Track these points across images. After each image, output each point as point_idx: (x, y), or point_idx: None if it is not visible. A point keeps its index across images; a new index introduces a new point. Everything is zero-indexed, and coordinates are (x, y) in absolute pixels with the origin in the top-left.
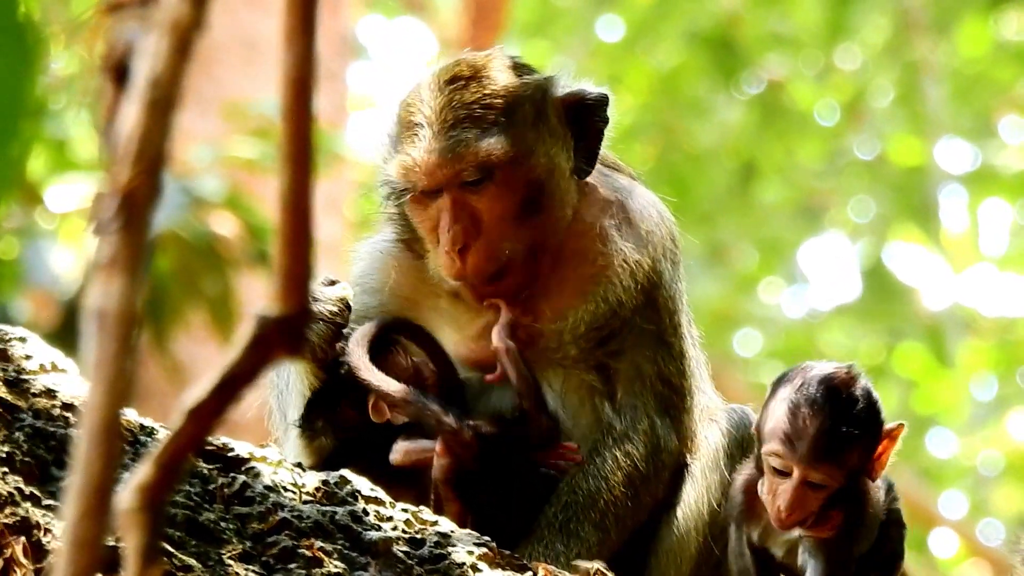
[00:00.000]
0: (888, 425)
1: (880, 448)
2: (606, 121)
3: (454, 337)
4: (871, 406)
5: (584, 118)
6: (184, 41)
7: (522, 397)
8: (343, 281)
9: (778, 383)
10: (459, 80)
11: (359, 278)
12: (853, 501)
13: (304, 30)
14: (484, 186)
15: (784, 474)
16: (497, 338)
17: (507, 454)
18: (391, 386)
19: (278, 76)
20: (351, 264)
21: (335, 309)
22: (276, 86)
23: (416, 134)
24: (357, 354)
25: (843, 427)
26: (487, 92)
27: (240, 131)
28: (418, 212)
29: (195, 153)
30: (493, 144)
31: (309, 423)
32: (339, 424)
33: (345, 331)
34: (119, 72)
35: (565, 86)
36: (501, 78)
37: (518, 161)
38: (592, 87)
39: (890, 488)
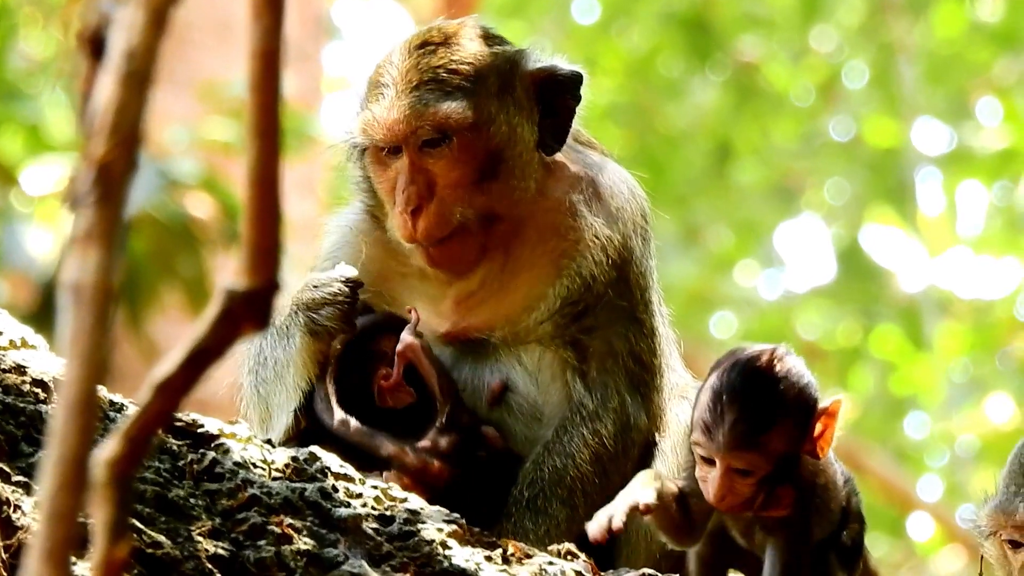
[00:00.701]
0: (824, 403)
1: (820, 427)
2: (578, 100)
3: (426, 311)
4: (794, 387)
5: (554, 95)
6: (160, 13)
7: (438, 392)
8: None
9: (711, 370)
10: (429, 45)
11: (329, 252)
12: (802, 480)
13: (272, 4)
14: (441, 149)
15: (711, 462)
16: (402, 338)
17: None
18: (345, 425)
19: (246, 51)
20: (322, 238)
21: (337, 289)
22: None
23: (381, 93)
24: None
25: (760, 413)
26: (454, 58)
27: (215, 112)
28: (379, 172)
29: (171, 135)
30: (453, 107)
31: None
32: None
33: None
34: (95, 45)
35: (537, 61)
36: (470, 45)
37: (477, 127)
38: (565, 64)
39: (847, 480)
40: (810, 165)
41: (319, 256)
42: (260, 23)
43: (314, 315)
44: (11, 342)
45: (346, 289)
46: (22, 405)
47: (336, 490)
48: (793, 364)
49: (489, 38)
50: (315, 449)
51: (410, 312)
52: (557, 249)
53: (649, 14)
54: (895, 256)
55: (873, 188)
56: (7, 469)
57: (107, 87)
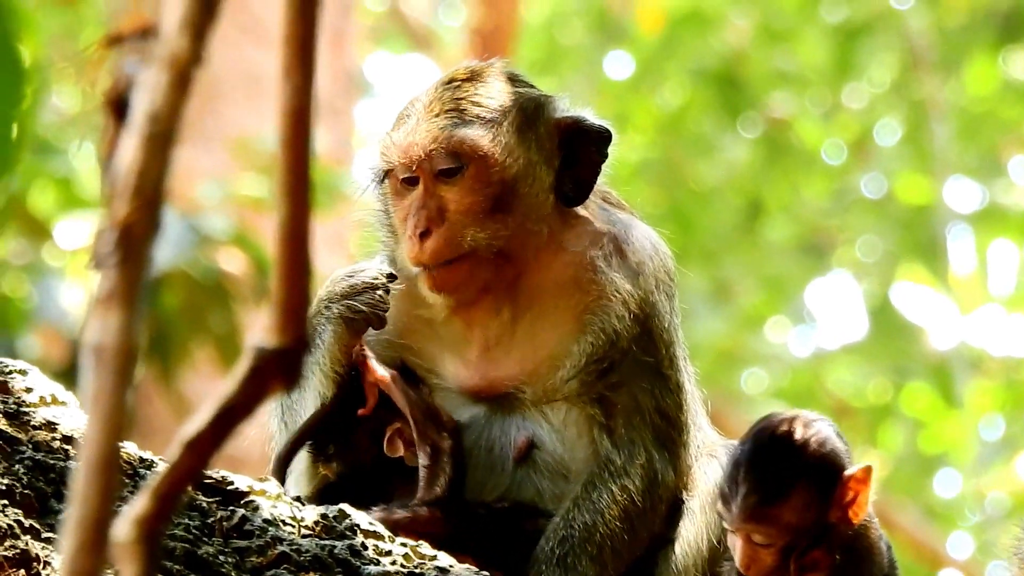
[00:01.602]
0: (851, 469)
1: (850, 493)
2: (605, 156)
3: (452, 366)
4: (812, 456)
5: (579, 145)
6: (183, 76)
7: (415, 423)
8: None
9: (744, 437)
10: (455, 81)
11: None
12: (840, 546)
13: (302, 61)
14: (456, 178)
15: (733, 532)
16: (377, 368)
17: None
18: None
19: (277, 108)
20: None
21: (375, 274)
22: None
23: (403, 121)
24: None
25: (772, 485)
26: (478, 91)
27: (247, 168)
28: (395, 203)
29: (203, 190)
30: (470, 134)
31: (321, 446)
32: (351, 452)
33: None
34: (119, 106)
35: (565, 109)
36: (495, 83)
37: (493, 157)
38: (594, 118)
39: (889, 548)
40: (841, 222)
41: None
42: (291, 81)
43: (351, 302)
44: (41, 398)
45: (383, 277)
46: (52, 462)
47: (366, 547)
48: (816, 431)
49: (516, 79)
50: (344, 506)
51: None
52: (580, 304)
53: (681, 70)
54: (926, 313)
55: (905, 245)
56: (37, 526)
57: (130, 148)
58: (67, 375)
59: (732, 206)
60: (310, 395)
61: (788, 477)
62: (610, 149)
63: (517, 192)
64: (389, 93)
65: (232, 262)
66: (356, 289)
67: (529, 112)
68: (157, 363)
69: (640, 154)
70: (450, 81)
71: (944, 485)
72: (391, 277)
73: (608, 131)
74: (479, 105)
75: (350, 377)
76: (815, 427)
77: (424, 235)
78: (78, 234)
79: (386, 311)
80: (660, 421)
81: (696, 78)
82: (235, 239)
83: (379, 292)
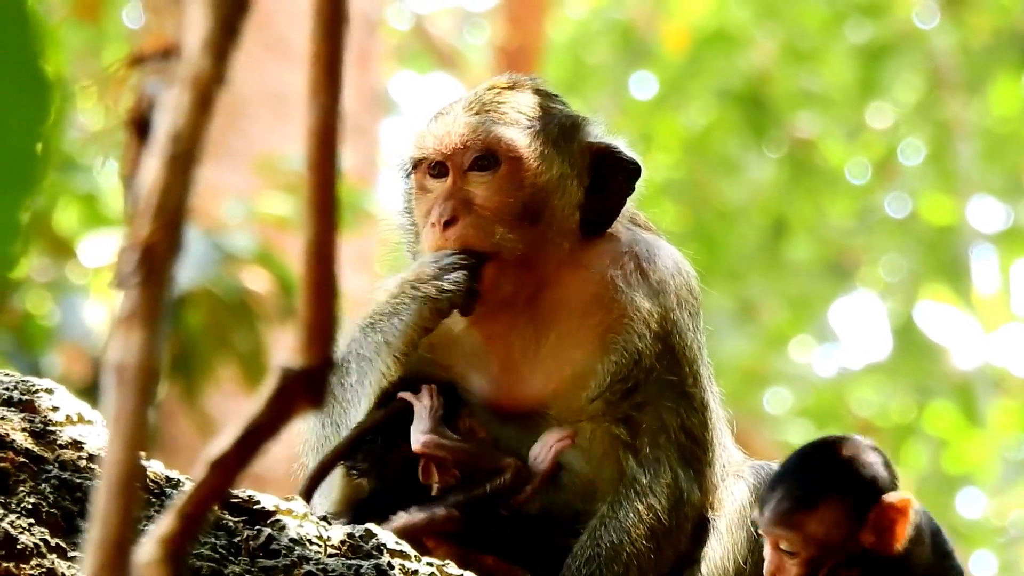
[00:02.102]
0: (890, 496)
1: (884, 520)
2: (632, 189)
3: (481, 380)
4: (850, 475)
5: (608, 173)
6: (206, 95)
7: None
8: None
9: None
10: (495, 88)
11: None
12: (878, 569)
13: (330, 81)
14: (488, 174)
15: (763, 536)
16: (417, 443)
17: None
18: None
19: (304, 128)
20: (376, 301)
21: (462, 257)
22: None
23: (441, 114)
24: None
25: (804, 493)
26: (519, 99)
27: (271, 186)
28: (420, 196)
29: (227, 209)
30: (508, 133)
31: (353, 459)
32: (384, 470)
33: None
34: (141, 126)
35: (599, 135)
36: (535, 95)
37: (528, 161)
38: (627, 148)
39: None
40: (865, 241)
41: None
42: (318, 100)
43: (440, 283)
44: (67, 417)
45: (471, 258)
46: (78, 481)
47: (392, 567)
48: (861, 454)
49: (553, 96)
50: (371, 526)
51: (418, 397)
52: (603, 324)
53: (706, 90)
54: (950, 333)
55: (928, 265)
56: (63, 544)
57: (153, 168)
58: (89, 393)
59: (756, 226)
60: (372, 378)
61: (821, 488)
62: (638, 184)
63: (547, 202)
64: (414, 112)
65: (256, 281)
66: (446, 270)
67: (566, 128)
68: (181, 381)
69: (665, 174)
70: (491, 87)
71: (967, 504)
72: (477, 262)
73: (638, 165)
74: (519, 111)
75: (390, 399)
76: (862, 449)
77: (449, 223)
78: (102, 252)
79: (475, 296)
80: (685, 440)
81: (721, 98)
82: (259, 257)
83: (471, 270)
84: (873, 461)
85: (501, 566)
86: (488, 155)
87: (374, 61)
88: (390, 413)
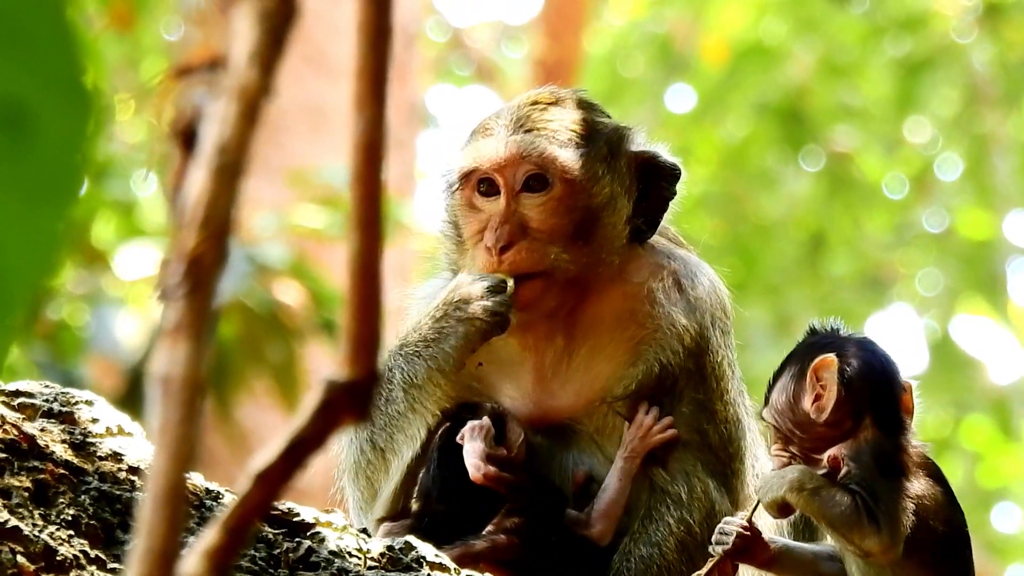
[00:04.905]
0: (816, 360)
1: (816, 386)
2: (674, 193)
3: (513, 391)
4: (815, 346)
5: (652, 180)
6: (252, 107)
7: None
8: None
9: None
10: (539, 104)
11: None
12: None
13: (375, 95)
14: (541, 195)
15: None
16: (474, 469)
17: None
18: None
19: (348, 141)
20: (408, 310)
21: (500, 279)
22: (343, 154)
23: (489, 131)
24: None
25: (782, 369)
26: (565, 115)
27: (305, 199)
28: (468, 215)
29: (260, 221)
30: (562, 154)
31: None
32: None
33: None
34: (187, 137)
35: (642, 143)
36: (579, 111)
37: (582, 181)
38: (667, 154)
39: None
40: (902, 256)
41: (401, 330)
42: (364, 114)
43: (487, 304)
44: (107, 429)
45: (510, 280)
46: (118, 492)
47: None
48: (856, 343)
49: (596, 109)
50: (411, 539)
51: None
52: (636, 337)
53: (744, 104)
54: (986, 347)
55: (965, 279)
56: (103, 556)
57: (198, 180)
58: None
59: (794, 240)
60: (427, 405)
61: (785, 362)
62: (679, 186)
63: (600, 221)
64: (451, 125)
65: (289, 293)
66: (491, 291)
67: (613, 143)
68: (214, 393)
69: (702, 187)
70: (534, 103)
71: (1002, 519)
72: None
73: (679, 169)
74: (569, 130)
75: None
76: (870, 349)
77: (504, 249)
78: (138, 263)
79: (509, 319)
80: (714, 453)
81: (759, 111)
82: (292, 270)
83: (505, 296)
84: (858, 347)
85: None
86: (541, 175)
87: (412, 74)
88: (436, 443)
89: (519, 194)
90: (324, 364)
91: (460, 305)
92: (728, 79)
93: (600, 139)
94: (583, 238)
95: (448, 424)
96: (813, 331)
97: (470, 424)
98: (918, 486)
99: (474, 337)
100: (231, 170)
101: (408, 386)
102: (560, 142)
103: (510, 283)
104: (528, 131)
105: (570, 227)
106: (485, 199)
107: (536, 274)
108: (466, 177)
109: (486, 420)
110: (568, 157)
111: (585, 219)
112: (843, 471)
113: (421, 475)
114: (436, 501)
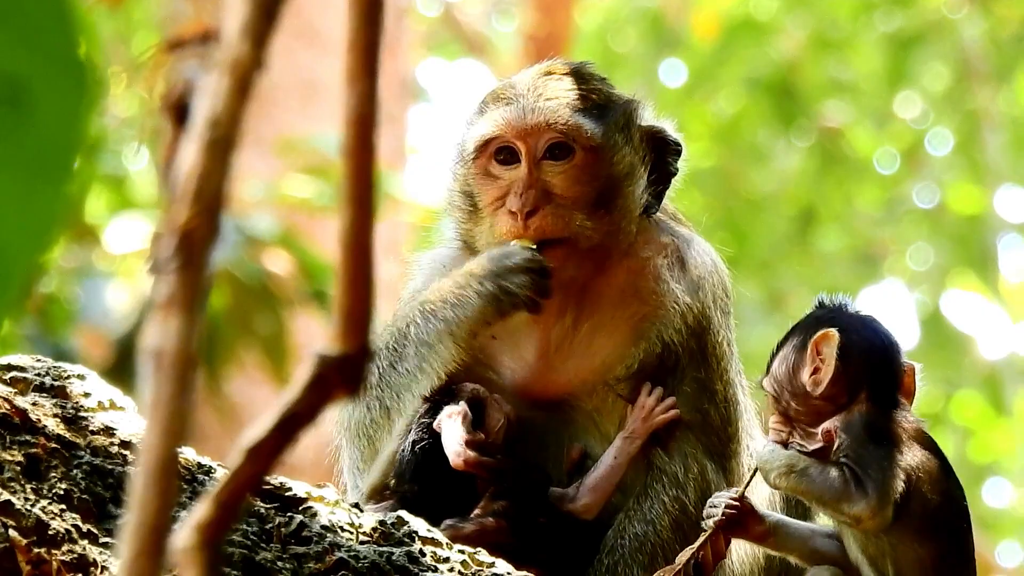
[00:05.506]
0: (816, 334)
1: (815, 359)
2: (677, 169)
3: (513, 363)
4: (818, 319)
5: (660, 155)
6: (244, 81)
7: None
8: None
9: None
10: (554, 74)
11: (418, 291)
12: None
13: (367, 69)
14: (563, 163)
15: None
16: (455, 456)
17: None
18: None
19: (340, 115)
20: (409, 278)
21: (531, 255)
22: (335, 126)
23: (510, 99)
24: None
25: (786, 339)
26: (583, 86)
27: (294, 168)
28: (486, 183)
29: (248, 190)
30: (585, 121)
31: (399, 481)
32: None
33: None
34: (179, 111)
35: (649, 118)
36: (595, 80)
37: (604, 149)
38: (672, 130)
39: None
40: (893, 232)
41: (404, 296)
42: (356, 88)
43: (505, 283)
44: (99, 403)
45: (540, 258)
46: (110, 467)
47: (423, 554)
48: (860, 320)
49: (606, 82)
50: (403, 513)
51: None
52: (638, 314)
53: (735, 79)
54: (977, 323)
55: (956, 255)
56: (94, 530)
57: (190, 154)
58: (109, 374)
59: (785, 215)
60: (434, 364)
61: (789, 333)
62: (681, 162)
63: (620, 190)
64: (442, 98)
65: (278, 263)
66: (513, 269)
67: (628, 114)
68: (204, 366)
69: (693, 163)
70: (549, 72)
71: (993, 494)
72: (543, 267)
73: (681, 145)
74: (587, 99)
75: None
76: (870, 325)
77: (530, 214)
78: (128, 237)
79: (545, 296)
80: (712, 432)
81: (750, 87)
82: (281, 240)
83: (534, 276)
84: (867, 329)
85: None
86: (564, 143)
87: (402, 48)
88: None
89: (541, 161)
90: (314, 336)
91: (483, 279)
92: (719, 54)
93: (617, 110)
94: (605, 207)
95: (427, 406)
96: (821, 304)
97: (447, 409)
98: (912, 457)
99: (491, 312)
100: (223, 144)
101: (418, 344)
102: (582, 111)
103: (537, 263)
104: (549, 99)
105: (593, 195)
106: (503, 167)
107: (559, 241)
108: (484, 145)
109: (463, 405)
110: (591, 126)
111: (607, 187)
112: (836, 443)
113: (397, 456)
114: (408, 482)
